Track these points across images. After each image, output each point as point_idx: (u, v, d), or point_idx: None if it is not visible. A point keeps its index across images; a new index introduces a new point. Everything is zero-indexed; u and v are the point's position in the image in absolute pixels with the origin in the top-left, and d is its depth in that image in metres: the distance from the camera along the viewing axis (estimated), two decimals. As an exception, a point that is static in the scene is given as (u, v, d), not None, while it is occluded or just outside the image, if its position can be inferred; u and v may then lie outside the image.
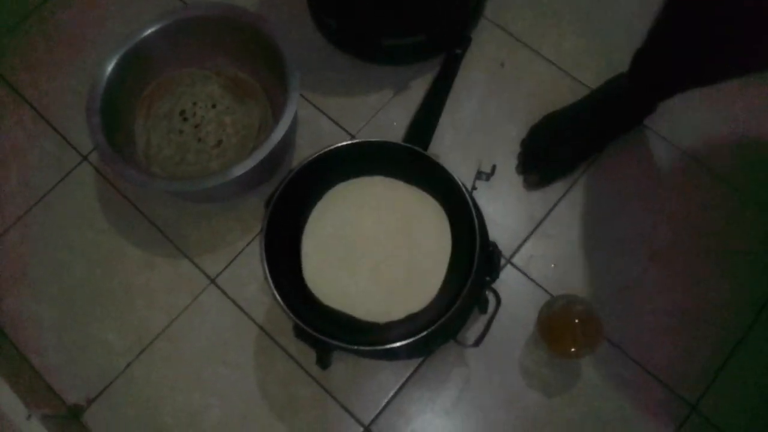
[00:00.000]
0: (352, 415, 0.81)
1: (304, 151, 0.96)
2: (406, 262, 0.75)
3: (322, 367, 0.80)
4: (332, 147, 0.78)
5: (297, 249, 0.77)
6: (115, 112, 0.88)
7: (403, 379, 0.82)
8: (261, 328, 0.86)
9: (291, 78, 0.84)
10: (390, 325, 0.72)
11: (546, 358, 0.82)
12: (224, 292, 0.88)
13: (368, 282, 0.75)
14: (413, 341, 0.65)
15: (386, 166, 0.78)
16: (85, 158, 0.96)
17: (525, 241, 0.88)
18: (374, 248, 0.76)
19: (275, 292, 0.69)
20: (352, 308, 0.73)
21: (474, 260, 0.67)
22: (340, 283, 0.75)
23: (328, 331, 0.68)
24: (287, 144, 0.93)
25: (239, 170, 0.80)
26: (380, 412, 0.81)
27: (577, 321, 0.77)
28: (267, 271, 0.70)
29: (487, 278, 0.69)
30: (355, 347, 0.68)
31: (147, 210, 0.93)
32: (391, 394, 0.81)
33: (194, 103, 0.96)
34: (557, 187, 0.92)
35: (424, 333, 0.64)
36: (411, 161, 0.76)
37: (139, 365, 0.85)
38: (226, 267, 0.89)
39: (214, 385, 0.83)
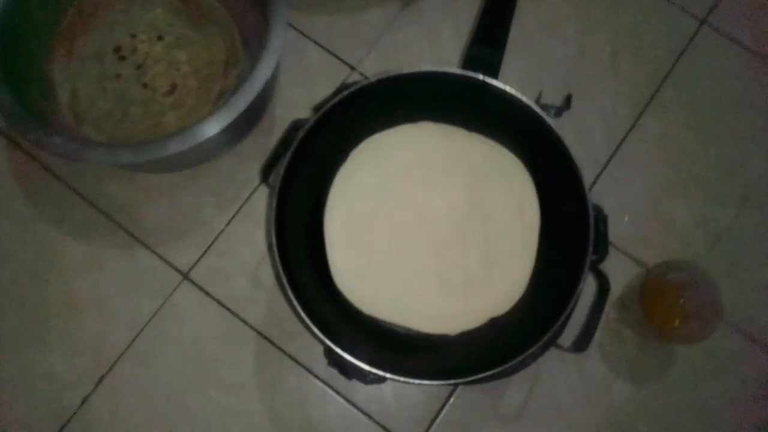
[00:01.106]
0: (392, 435, 0.62)
1: (289, 93, 0.72)
2: (479, 245, 0.54)
3: (347, 378, 0.61)
4: (359, 84, 0.54)
5: (316, 234, 0.54)
6: (21, 54, 0.62)
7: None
8: (259, 333, 0.65)
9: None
10: (464, 338, 0.52)
11: (634, 337, 0.65)
12: (203, 290, 0.66)
13: (426, 277, 0.54)
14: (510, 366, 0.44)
15: (435, 107, 0.56)
16: (-13, 122, 0.70)
17: (590, 187, 0.69)
18: (430, 227, 0.54)
19: (299, 308, 0.48)
20: (405, 317, 0.52)
21: (588, 237, 0.47)
22: (386, 281, 0.54)
23: (378, 359, 0.47)
24: (271, 86, 0.69)
25: (211, 128, 0.56)
26: (428, 429, 0.62)
27: (680, 292, 0.60)
28: (282, 275, 0.48)
29: (595, 256, 0.49)
30: (429, 382, 0.47)
31: (84, 188, 0.68)
32: (440, 405, 0.62)
33: (133, 36, 0.70)
34: (622, 118, 0.71)
35: (529, 352, 0.44)
36: (472, 99, 0.54)
37: (99, 398, 0.63)
38: (202, 256, 0.67)
39: (205, 415, 0.63)
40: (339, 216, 0.54)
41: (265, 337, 0.64)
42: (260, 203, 0.68)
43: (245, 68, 0.70)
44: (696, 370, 0.65)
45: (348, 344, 0.48)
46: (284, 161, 0.52)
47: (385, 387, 0.62)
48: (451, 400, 0.62)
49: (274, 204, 0.51)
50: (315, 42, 0.73)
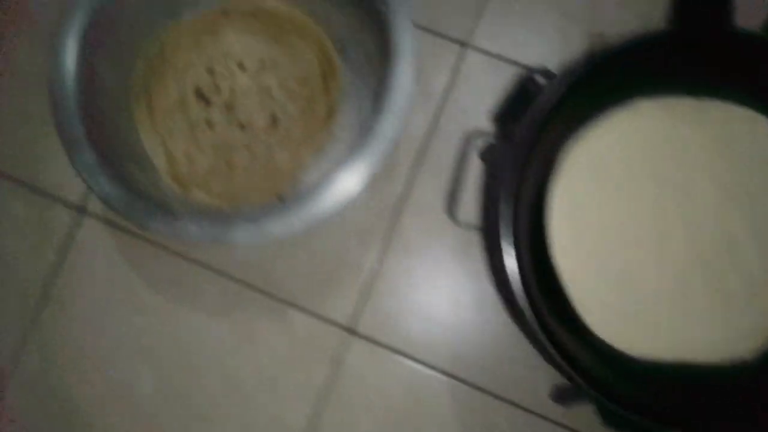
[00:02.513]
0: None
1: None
2: (752, 240, 0.43)
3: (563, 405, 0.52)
4: (635, 38, 0.41)
5: (541, 245, 0.45)
6: (105, 128, 0.53)
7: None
8: (452, 376, 0.56)
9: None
10: (742, 369, 0.41)
11: None
12: (375, 341, 0.57)
13: (697, 295, 0.43)
14: None
15: (643, 77, 0.44)
16: (82, 211, 0.62)
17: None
18: (685, 232, 0.43)
19: (551, 350, 0.38)
20: (687, 350, 0.42)
21: None
22: (650, 312, 0.43)
23: (661, 411, 0.37)
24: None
25: (353, 182, 0.47)
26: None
27: None
28: (527, 304, 0.38)
29: None
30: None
31: (208, 258, 0.60)
32: None
33: (211, 71, 0.60)
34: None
35: None
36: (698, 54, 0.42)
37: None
38: (362, 303, 0.58)
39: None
40: (569, 248, 0.43)
41: (461, 380, 0.56)
42: (408, 228, 0.58)
43: (347, 77, 0.59)
44: None
45: (618, 396, 0.39)
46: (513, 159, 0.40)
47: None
48: None
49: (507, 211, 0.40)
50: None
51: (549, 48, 0.60)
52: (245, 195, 0.58)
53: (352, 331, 0.57)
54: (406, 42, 0.49)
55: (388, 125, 0.48)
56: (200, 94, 0.59)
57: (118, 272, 0.60)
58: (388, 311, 0.58)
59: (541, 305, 0.40)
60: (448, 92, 0.60)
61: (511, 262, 0.38)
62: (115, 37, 0.54)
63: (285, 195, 0.58)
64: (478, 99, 0.60)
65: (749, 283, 0.43)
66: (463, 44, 0.61)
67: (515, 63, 0.60)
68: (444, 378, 0.56)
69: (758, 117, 0.44)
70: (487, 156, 0.54)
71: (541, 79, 0.45)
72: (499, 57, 0.60)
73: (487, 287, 0.57)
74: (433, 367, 0.56)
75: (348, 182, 0.48)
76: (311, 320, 0.58)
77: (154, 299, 0.59)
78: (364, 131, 0.51)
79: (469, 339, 0.56)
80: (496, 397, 0.55)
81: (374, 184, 0.59)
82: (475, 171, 0.57)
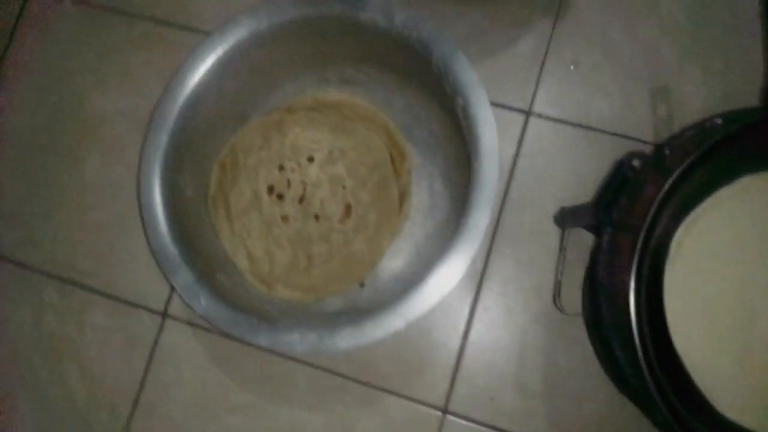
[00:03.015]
0: None
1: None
2: None
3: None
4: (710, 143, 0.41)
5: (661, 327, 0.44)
6: (192, 238, 0.54)
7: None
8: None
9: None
10: None
11: None
12: (470, 419, 0.58)
13: None
14: None
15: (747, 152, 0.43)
16: (164, 315, 0.62)
17: None
18: None
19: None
20: None
21: None
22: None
23: None
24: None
25: (452, 254, 0.48)
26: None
27: None
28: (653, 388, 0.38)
29: None
30: None
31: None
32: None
33: (281, 168, 0.61)
34: None
35: None
36: None
37: None
38: (452, 382, 0.58)
39: None
40: (689, 334, 0.43)
41: (557, 449, 0.57)
42: (494, 306, 0.59)
43: (416, 159, 0.60)
44: None
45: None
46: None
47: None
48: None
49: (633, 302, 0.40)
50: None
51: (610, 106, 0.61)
52: (326, 286, 0.59)
53: (446, 411, 0.58)
54: (487, 132, 0.49)
55: (480, 216, 0.48)
56: (272, 191, 0.60)
57: (207, 373, 0.61)
58: (479, 388, 0.58)
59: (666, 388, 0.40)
60: (516, 160, 0.61)
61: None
62: (192, 150, 0.55)
63: (366, 282, 0.59)
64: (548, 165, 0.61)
65: None
66: (525, 113, 0.62)
67: (579, 125, 0.61)
68: (545, 451, 0.57)
69: None
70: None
71: (637, 162, 0.46)
72: (562, 121, 0.61)
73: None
74: (533, 442, 0.57)
75: (445, 276, 0.48)
76: (405, 404, 0.58)
77: (246, 397, 0.60)
78: (452, 221, 0.52)
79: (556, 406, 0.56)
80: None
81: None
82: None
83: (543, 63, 0.62)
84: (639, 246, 0.39)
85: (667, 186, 0.40)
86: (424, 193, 0.60)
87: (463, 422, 0.58)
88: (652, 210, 0.40)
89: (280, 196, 0.60)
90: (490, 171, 0.49)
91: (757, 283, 0.44)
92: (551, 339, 0.58)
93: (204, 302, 0.49)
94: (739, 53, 0.61)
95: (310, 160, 0.61)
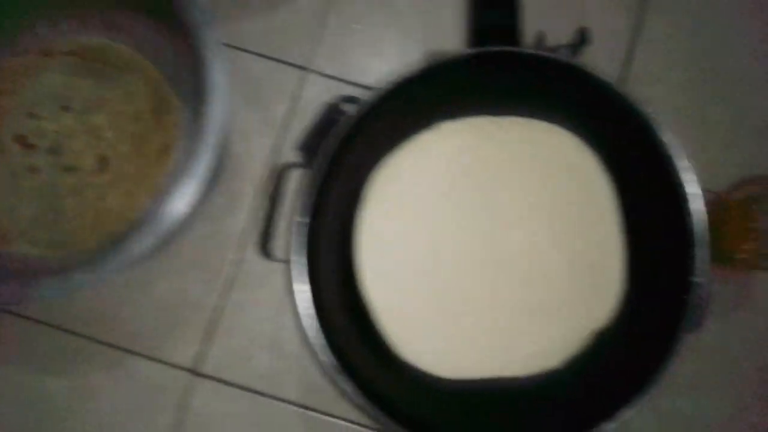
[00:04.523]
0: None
1: (243, 119, 0.60)
2: (554, 253, 0.43)
3: None
4: (395, 81, 0.42)
5: (348, 270, 0.43)
6: None
7: None
8: (304, 407, 0.55)
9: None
10: (574, 368, 0.42)
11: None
12: (222, 380, 0.55)
13: (505, 308, 0.43)
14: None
15: (443, 101, 0.45)
16: None
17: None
18: (491, 248, 0.44)
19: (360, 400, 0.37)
20: (498, 366, 0.42)
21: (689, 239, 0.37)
22: (459, 330, 0.43)
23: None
24: (228, 129, 0.57)
25: (178, 206, 0.45)
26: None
27: (748, 209, 0.51)
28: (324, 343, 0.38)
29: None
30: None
31: (43, 314, 0.56)
32: None
33: (32, 116, 0.57)
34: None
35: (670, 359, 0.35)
36: (489, 78, 0.43)
37: None
38: (206, 343, 0.56)
39: None
40: (378, 277, 0.43)
41: (312, 409, 0.55)
42: (254, 263, 0.57)
43: (183, 111, 0.58)
44: None
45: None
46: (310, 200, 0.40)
47: None
48: None
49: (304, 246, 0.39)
50: (250, 52, 0.61)
51: (389, 68, 0.60)
52: (75, 241, 0.55)
53: (195, 372, 0.55)
54: (220, 71, 0.48)
55: (200, 155, 0.46)
56: (21, 140, 0.56)
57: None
58: (236, 349, 0.56)
59: (350, 338, 0.39)
60: (290, 119, 0.60)
61: (303, 297, 0.37)
62: None
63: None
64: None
65: (551, 295, 0.44)
66: (303, 69, 0.61)
67: (355, 84, 0.60)
68: (294, 409, 0.55)
69: (554, 128, 0.46)
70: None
71: (347, 107, 0.45)
72: (338, 79, 0.60)
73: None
74: (283, 400, 0.55)
75: (172, 211, 0.46)
76: (152, 365, 0.55)
77: None
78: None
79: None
80: (350, 422, 0.54)
81: (217, 216, 0.58)
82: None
83: (324, 21, 0.62)
84: (316, 179, 0.38)
85: (353, 118, 0.40)
86: (201, 160, 0.58)
87: (214, 384, 0.55)
88: (331, 149, 0.39)
89: (30, 146, 0.56)
90: (218, 105, 0.47)
91: (445, 228, 0.44)
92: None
93: None
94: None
95: (65, 109, 0.57)
